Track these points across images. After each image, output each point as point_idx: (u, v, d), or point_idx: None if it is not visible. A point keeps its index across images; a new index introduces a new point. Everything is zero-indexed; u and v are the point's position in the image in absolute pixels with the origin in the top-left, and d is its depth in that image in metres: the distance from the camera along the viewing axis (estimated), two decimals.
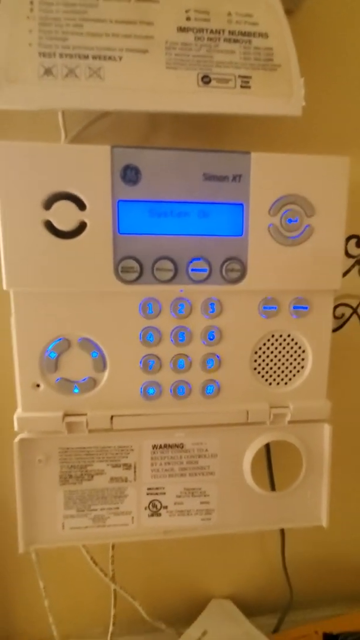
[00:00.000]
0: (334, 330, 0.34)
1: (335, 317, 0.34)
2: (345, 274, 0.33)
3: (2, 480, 0.32)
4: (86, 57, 0.22)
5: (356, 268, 0.33)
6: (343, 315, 0.34)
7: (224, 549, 0.37)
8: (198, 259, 0.24)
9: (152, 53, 0.23)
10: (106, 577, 0.33)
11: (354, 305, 0.34)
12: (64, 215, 0.22)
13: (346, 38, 0.30)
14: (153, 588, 0.37)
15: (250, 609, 0.38)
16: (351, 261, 0.33)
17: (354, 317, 0.34)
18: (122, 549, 0.33)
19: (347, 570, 0.39)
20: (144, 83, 0.22)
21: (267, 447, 0.30)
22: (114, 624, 0.34)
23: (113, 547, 0.33)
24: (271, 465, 0.30)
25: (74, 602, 0.35)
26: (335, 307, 0.34)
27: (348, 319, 0.34)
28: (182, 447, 0.27)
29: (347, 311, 0.34)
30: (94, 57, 0.22)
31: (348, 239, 0.33)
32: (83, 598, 0.36)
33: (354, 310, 0.34)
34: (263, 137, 0.29)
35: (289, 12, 0.29)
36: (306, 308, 0.25)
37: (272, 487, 0.29)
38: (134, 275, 0.23)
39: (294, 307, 0.25)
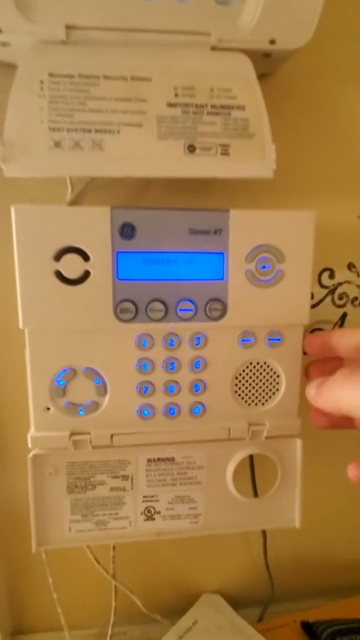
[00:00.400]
0: None
1: None
2: (320, 302, 0.37)
3: (17, 490, 0.36)
4: (89, 131, 0.26)
5: (329, 297, 0.37)
6: None
7: (213, 550, 0.41)
8: (185, 300, 0.28)
9: (146, 126, 0.26)
10: (108, 574, 0.37)
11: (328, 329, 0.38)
12: (71, 266, 0.26)
13: (318, 99, 0.33)
14: (150, 584, 0.41)
15: (237, 602, 0.42)
16: (325, 291, 0.37)
17: None
18: (122, 550, 0.37)
19: (322, 567, 0.43)
20: (139, 153, 0.26)
21: (251, 458, 0.34)
22: (114, 615, 0.38)
23: (114, 548, 0.37)
24: (254, 474, 0.34)
25: (79, 596, 0.39)
26: (312, 332, 0.38)
27: None
28: (173, 460, 0.31)
29: None
30: (96, 131, 0.26)
31: (322, 271, 0.37)
32: (87, 592, 0.40)
33: None
34: (241, 195, 0.32)
35: (266, 75, 0.33)
36: (279, 340, 0.29)
37: (255, 493, 0.33)
38: (130, 315, 0.27)
39: (269, 339, 0.29)
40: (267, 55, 0.28)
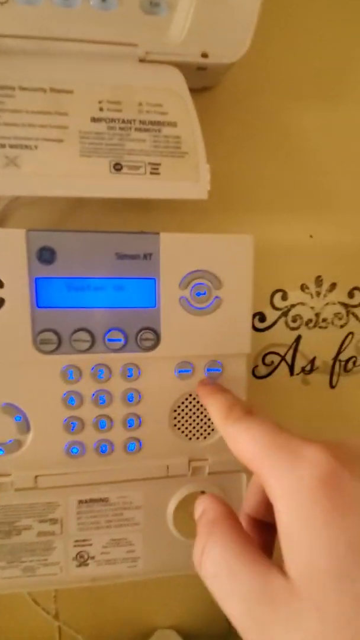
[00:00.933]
0: (265, 376, 0.37)
1: (265, 364, 0.37)
2: (273, 325, 0.36)
3: None
4: (3, 146, 0.24)
5: (282, 319, 0.36)
6: (272, 362, 0.37)
7: (166, 582, 0.39)
8: (114, 329, 0.26)
9: (67, 142, 0.24)
10: (49, 615, 0.34)
11: (282, 353, 0.36)
12: None
13: (263, 114, 0.32)
14: (97, 622, 0.38)
15: (193, 638, 0.39)
16: (278, 313, 0.36)
17: (283, 364, 0.37)
18: (65, 588, 0.35)
19: None
20: (59, 170, 0.24)
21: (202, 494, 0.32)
22: None
23: None
24: None
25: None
26: (265, 355, 0.36)
27: (277, 366, 0.37)
28: (107, 500, 0.28)
29: (276, 359, 0.37)
30: (11, 146, 0.24)
31: (274, 293, 0.35)
32: (29, 636, 0.37)
33: (282, 358, 0.37)
34: (177, 217, 0.31)
35: (207, 89, 0.31)
36: (219, 370, 0.27)
37: None
38: (52, 347, 0.25)
39: (208, 370, 0.27)
40: (201, 68, 0.26)
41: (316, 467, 0.15)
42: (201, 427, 0.29)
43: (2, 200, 0.28)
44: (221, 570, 0.16)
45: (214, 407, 0.22)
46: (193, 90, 0.26)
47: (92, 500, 0.28)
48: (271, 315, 0.36)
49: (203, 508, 0.19)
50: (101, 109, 0.25)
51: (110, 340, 0.26)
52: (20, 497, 0.27)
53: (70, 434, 0.27)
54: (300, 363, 0.37)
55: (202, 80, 0.29)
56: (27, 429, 0.26)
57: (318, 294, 0.36)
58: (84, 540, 0.28)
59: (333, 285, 0.36)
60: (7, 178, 0.24)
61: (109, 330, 0.26)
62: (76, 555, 0.28)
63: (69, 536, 0.28)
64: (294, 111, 0.33)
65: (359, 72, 0.34)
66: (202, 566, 0.16)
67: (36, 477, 0.26)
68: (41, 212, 0.29)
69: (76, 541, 0.28)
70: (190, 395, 0.28)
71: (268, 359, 0.36)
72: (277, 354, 0.36)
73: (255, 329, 0.35)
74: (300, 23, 0.32)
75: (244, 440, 0.18)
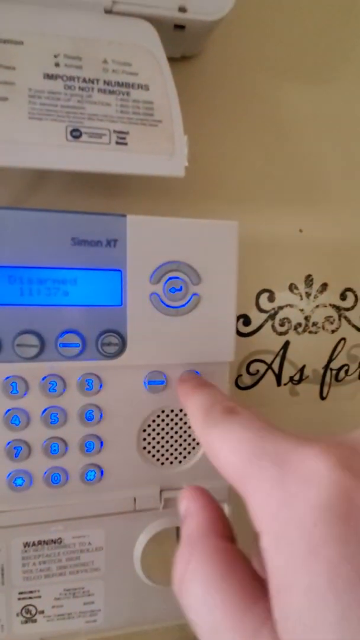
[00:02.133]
0: (249, 387, 0.33)
1: (249, 373, 0.33)
2: (258, 329, 0.32)
3: None
4: None
5: (269, 323, 0.32)
6: (258, 371, 0.33)
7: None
8: (69, 332, 0.21)
9: (13, 101, 0.20)
10: None
11: (269, 361, 0.33)
12: None
13: (250, 89, 0.29)
14: None
15: None
16: (264, 316, 0.32)
17: (269, 373, 0.33)
18: None
19: None
20: (3, 135, 0.20)
21: (177, 531, 0.27)
22: None
23: None
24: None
25: None
26: (250, 364, 0.32)
27: (263, 376, 0.33)
28: (61, 542, 0.23)
29: (262, 367, 0.33)
30: None
31: (260, 293, 0.31)
32: None
33: (269, 366, 0.33)
34: (143, 201, 0.27)
35: (188, 57, 0.27)
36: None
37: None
38: None
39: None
40: (179, 27, 0.23)
41: (317, 487, 0.10)
42: (176, 449, 0.24)
43: None
44: (202, 613, 0.12)
45: (191, 410, 0.18)
46: (170, 60, 0.22)
47: (41, 543, 0.23)
48: (257, 318, 0.32)
49: (185, 509, 0.15)
50: (57, 65, 0.20)
51: (63, 345, 0.21)
52: None
53: (13, 461, 0.21)
54: (288, 372, 0.33)
55: (180, 45, 0.25)
56: None
57: (308, 295, 0.32)
58: (30, 592, 0.23)
59: (324, 286, 0.33)
60: None
61: (63, 333, 0.21)
62: (21, 610, 0.23)
63: (11, 587, 0.23)
64: (284, 91, 0.29)
65: (355, 56, 0.31)
66: (182, 595, 0.12)
67: None
68: None
69: (21, 593, 0.23)
70: (163, 411, 0.23)
71: (253, 367, 0.32)
72: (263, 361, 0.32)
73: (239, 333, 0.31)
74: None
75: (222, 449, 0.13)
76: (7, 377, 0.21)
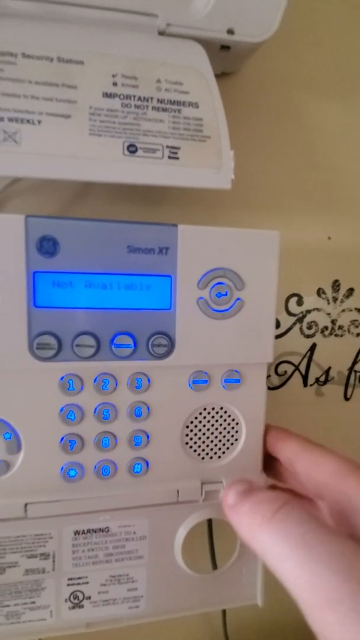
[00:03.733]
0: (277, 387, 0.34)
1: (277, 374, 0.34)
2: (287, 331, 0.33)
3: None
4: (1, 119, 0.21)
5: (297, 326, 0.33)
6: (285, 372, 0.34)
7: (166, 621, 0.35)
8: (123, 334, 0.22)
9: (75, 118, 0.21)
10: None
11: (296, 362, 0.34)
12: None
13: (285, 105, 0.30)
14: None
15: None
16: (292, 319, 0.33)
17: (296, 374, 0.34)
18: None
19: (288, 636, 0.38)
20: (65, 150, 0.21)
21: (210, 522, 0.28)
22: None
23: None
24: (213, 542, 0.28)
25: None
26: (278, 365, 0.34)
27: (290, 377, 0.34)
28: (108, 531, 0.24)
29: (290, 368, 0.34)
30: (10, 120, 0.21)
31: (289, 297, 0.33)
32: None
33: (296, 368, 0.34)
34: (198, 209, 0.28)
35: (227, 74, 0.29)
36: (238, 381, 0.24)
37: (214, 565, 0.28)
38: (52, 352, 0.21)
39: (226, 380, 0.24)
40: (225, 47, 0.24)
41: None
42: (215, 445, 0.25)
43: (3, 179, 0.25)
44: (293, 554, 0.13)
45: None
46: None
47: (90, 531, 0.24)
48: (285, 321, 0.33)
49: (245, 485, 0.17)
50: (115, 84, 0.22)
51: (117, 346, 0.22)
52: (5, 528, 0.23)
53: (67, 453, 0.23)
54: (314, 373, 0.35)
55: (222, 63, 0.26)
56: (17, 448, 0.22)
57: (335, 299, 0.34)
58: (79, 578, 0.24)
59: (350, 291, 0.34)
60: (4, 155, 0.20)
61: (117, 335, 0.22)
62: (69, 596, 0.24)
63: (62, 573, 0.24)
64: (316, 106, 0.31)
65: None
66: (260, 534, 0.14)
67: (26, 505, 0.23)
68: (42, 199, 0.26)
69: (70, 579, 0.24)
70: (205, 409, 0.25)
71: (281, 368, 0.34)
72: (291, 363, 0.34)
73: None
74: (329, 13, 0.30)
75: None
76: (65, 376, 0.22)
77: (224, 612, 0.34)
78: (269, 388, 0.34)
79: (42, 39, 0.21)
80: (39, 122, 0.21)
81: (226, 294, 0.23)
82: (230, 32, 0.23)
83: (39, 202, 0.27)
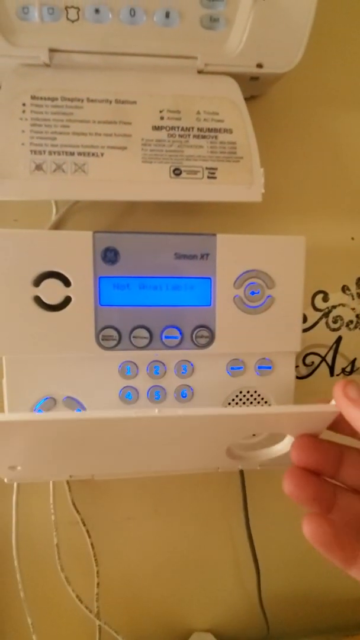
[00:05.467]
0: (305, 377, 0.37)
1: (305, 364, 0.37)
2: (313, 325, 0.36)
3: None
4: (72, 154, 0.25)
5: (323, 320, 0.36)
6: (313, 363, 0.37)
7: (204, 585, 0.39)
8: (171, 327, 0.27)
9: (130, 149, 0.26)
10: (91, 613, 0.35)
11: (323, 354, 0.37)
12: (51, 291, 0.25)
13: (306, 121, 0.33)
14: (136, 623, 0.39)
15: None
16: (318, 314, 0.36)
17: (323, 364, 0.37)
18: (106, 587, 0.35)
19: (320, 604, 0.41)
20: (123, 176, 0.26)
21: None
22: None
23: (98, 585, 0.35)
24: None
25: (62, 637, 0.37)
26: (306, 356, 0.37)
27: (317, 367, 0.37)
28: None
29: (317, 359, 0.37)
30: (79, 154, 0.25)
31: (315, 294, 0.36)
32: (70, 634, 0.37)
33: (323, 359, 0.37)
34: (228, 218, 0.32)
35: (253, 97, 0.32)
36: (270, 367, 0.28)
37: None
38: (113, 343, 0.26)
39: (259, 367, 0.28)
40: (254, 78, 0.28)
41: None
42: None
43: (65, 203, 0.29)
44: None
45: None
46: None
47: None
48: (312, 316, 0.36)
49: None
50: (162, 118, 0.26)
51: (167, 337, 0.27)
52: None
53: None
54: (340, 364, 0.37)
55: (251, 89, 0.30)
56: None
57: (359, 295, 0.36)
58: None
59: None
60: (76, 184, 0.25)
61: (166, 328, 0.27)
62: None
63: None
64: (339, 120, 0.34)
65: None
66: None
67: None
68: (97, 215, 0.31)
69: None
70: (241, 392, 0.29)
71: (308, 359, 0.37)
72: (318, 354, 0.37)
73: None
74: (350, 32, 0.33)
75: None
76: (124, 362, 0.27)
77: (258, 583, 0.37)
78: (298, 377, 0.37)
79: (102, 85, 0.26)
80: (102, 154, 0.26)
81: (259, 292, 0.27)
82: (260, 66, 0.27)
83: (95, 218, 0.31)
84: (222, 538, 0.38)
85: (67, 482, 0.34)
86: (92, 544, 0.35)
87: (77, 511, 0.34)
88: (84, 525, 0.34)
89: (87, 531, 0.34)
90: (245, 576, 0.39)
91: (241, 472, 0.35)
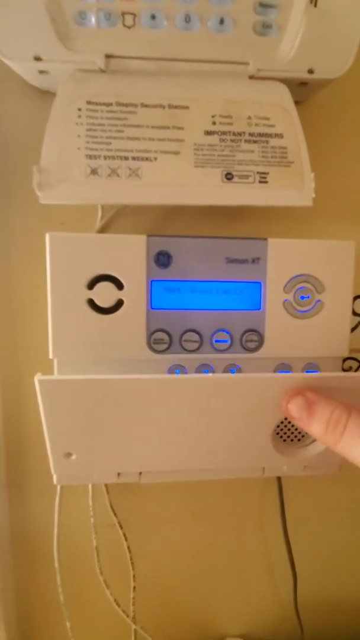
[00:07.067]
0: None
1: (343, 369, 0.37)
2: (352, 330, 0.36)
3: (37, 521, 0.34)
4: (126, 158, 0.26)
5: None
6: (351, 368, 0.37)
7: (237, 591, 0.39)
8: (221, 330, 0.27)
9: (183, 154, 0.26)
10: (128, 617, 0.35)
11: None
12: (104, 294, 0.25)
13: (352, 126, 0.33)
14: (170, 627, 0.39)
15: None
16: (358, 319, 0.36)
17: None
18: (142, 592, 0.35)
19: (357, 610, 0.40)
20: (176, 180, 0.26)
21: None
22: None
23: (134, 589, 0.35)
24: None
25: None
26: (344, 361, 0.37)
27: (355, 371, 0.37)
28: None
29: (354, 364, 0.37)
30: (134, 159, 0.26)
31: (354, 298, 0.36)
32: (106, 637, 0.37)
33: None
34: (276, 222, 0.32)
35: (297, 102, 0.32)
36: (316, 372, 0.28)
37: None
38: (164, 346, 0.26)
39: (306, 372, 0.28)
40: (303, 84, 0.28)
41: None
42: (296, 428, 0.29)
43: (111, 208, 0.30)
44: None
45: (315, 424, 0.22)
46: None
47: None
48: (351, 320, 0.36)
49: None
50: (214, 123, 0.26)
51: (217, 341, 0.27)
52: None
53: None
54: None
55: (297, 95, 0.30)
56: None
57: None
58: None
59: None
60: (129, 188, 0.25)
61: (216, 331, 0.27)
62: None
63: None
64: None
65: None
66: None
67: (140, 473, 0.27)
68: (141, 218, 0.31)
69: None
70: None
71: (346, 364, 0.37)
72: (356, 359, 0.37)
73: None
74: None
75: None
76: (172, 365, 0.27)
77: (295, 589, 0.37)
78: None
79: (156, 90, 0.26)
80: (155, 159, 0.26)
81: (308, 297, 0.27)
82: (311, 71, 0.27)
83: (139, 222, 0.32)
84: (257, 544, 0.38)
85: (105, 484, 0.34)
86: (128, 547, 0.35)
87: (115, 514, 0.34)
88: (121, 528, 0.34)
89: (124, 534, 0.34)
90: (280, 582, 0.39)
91: (278, 479, 0.35)
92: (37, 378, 0.23)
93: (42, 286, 0.30)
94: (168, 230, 0.32)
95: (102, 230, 0.31)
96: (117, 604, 0.34)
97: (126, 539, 0.35)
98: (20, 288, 0.31)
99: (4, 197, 0.30)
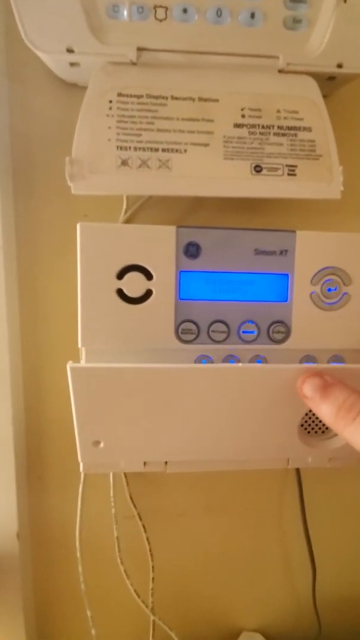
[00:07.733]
0: None
1: None
2: None
3: (57, 513, 0.34)
4: (157, 150, 0.26)
5: None
6: None
7: (255, 585, 0.39)
8: (248, 322, 0.27)
9: (212, 146, 0.26)
10: (147, 608, 0.35)
11: None
12: (134, 284, 0.26)
13: None
14: (188, 620, 0.39)
15: None
16: None
17: None
18: (161, 583, 0.35)
19: None
20: (205, 172, 0.26)
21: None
22: None
23: (153, 579, 0.35)
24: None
25: (118, 631, 0.37)
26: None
27: None
28: None
29: None
30: (164, 150, 0.26)
31: None
32: (125, 628, 0.37)
33: None
34: (303, 215, 0.32)
35: (324, 96, 0.32)
36: (342, 364, 0.28)
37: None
38: (192, 337, 0.26)
39: (331, 364, 0.28)
40: (331, 78, 0.28)
41: None
42: (324, 425, 0.29)
43: (137, 199, 0.30)
44: None
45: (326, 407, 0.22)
46: None
47: None
48: None
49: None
50: (243, 116, 0.27)
51: (244, 332, 0.27)
52: None
53: None
54: None
55: (324, 89, 0.30)
56: None
57: None
58: None
59: None
60: (159, 179, 0.26)
61: (243, 323, 0.27)
62: None
63: None
64: None
65: None
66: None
67: (166, 462, 0.28)
68: (163, 210, 0.31)
69: None
70: None
71: None
72: None
73: None
74: None
75: None
76: (199, 356, 0.27)
77: (314, 584, 0.37)
78: None
79: (186, 83, 0.26)
80: (185, 151, 0.26)
81: (335, 289, 0.27)
82: (340, 66, 0.27)
83: (163, 213, 0.32)
84: (275, 537, 0.38)
85: (125, 476, 0.34)
86: (147, 539, 0.35)
87: (134, 505, 0.34)
88: (140, 519, 0.35)
89: (143, 525, 0.35)
90: (297, 577, 0.39)
91: (297, 472, 0.35)
92: (69, 365, 0.23)
93: (64, 277, 0.30)
94: (190, 223, 0.32)
95: (126, 222, 0.31)
96: (137, 594, 0.35)
97: (145, 531, 0.35)
98: (43, 280, 0.32)
99: (27, 189, 0.31)
